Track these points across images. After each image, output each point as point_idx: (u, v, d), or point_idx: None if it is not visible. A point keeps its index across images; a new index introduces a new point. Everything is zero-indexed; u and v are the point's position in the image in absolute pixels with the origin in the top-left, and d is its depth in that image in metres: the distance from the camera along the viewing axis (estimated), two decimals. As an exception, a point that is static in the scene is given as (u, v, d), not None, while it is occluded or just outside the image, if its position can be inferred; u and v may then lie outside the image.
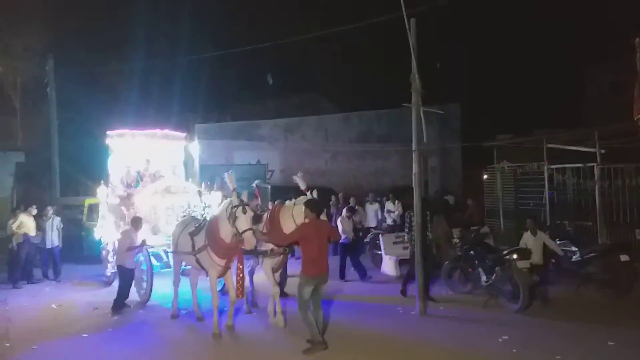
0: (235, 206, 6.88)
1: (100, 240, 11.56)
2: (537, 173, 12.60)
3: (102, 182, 11.41)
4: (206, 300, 8.30)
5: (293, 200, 7.67)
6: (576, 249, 9.43)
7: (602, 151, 11.28)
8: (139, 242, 8.97)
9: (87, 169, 18.40)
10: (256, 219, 7.49)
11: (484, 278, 8.72)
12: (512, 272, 8.21)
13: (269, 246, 7.61)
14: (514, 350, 6.41)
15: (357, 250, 11.34)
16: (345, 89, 25.98)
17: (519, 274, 8.10)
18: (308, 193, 7.50)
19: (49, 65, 17.78)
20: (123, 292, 8.91)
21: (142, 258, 9.38)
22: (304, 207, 6.77)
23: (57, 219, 12.08)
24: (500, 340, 6.78)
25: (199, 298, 8.38)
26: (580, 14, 18.93)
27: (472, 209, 14.47)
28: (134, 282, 9.20)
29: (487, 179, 15.04)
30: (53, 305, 9.54)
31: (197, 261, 7.55)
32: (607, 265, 8.86)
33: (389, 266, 11.46)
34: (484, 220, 13.83)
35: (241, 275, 7.23)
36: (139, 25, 23.05)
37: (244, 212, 6.81)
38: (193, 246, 7.57)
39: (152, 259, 9.60)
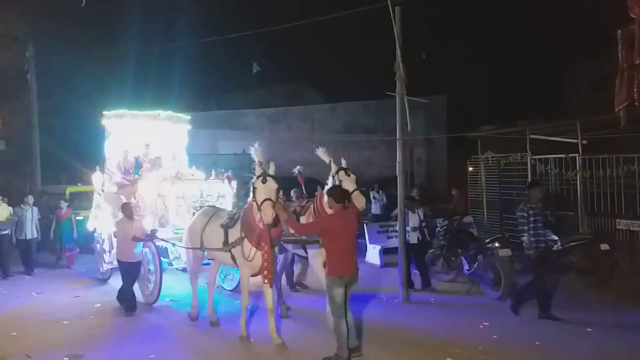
0: (257, 177, 6.06)
1: (90, 231, 10.70)
2: (521, 163, 12.71)
3: (97, 168, 10.39)
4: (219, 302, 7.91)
5: (326, 184, 6.89)
6: (557, 238, 9.56)
7: (584, 142, 11.42)
8: (135, 232, 7.91)
9: (77, 154, 18.09)
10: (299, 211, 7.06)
11: (466, 266, 8.80)
12: (494, 260, 8.30)
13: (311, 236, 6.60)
14: (495, 336, 6.49)
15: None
16: (331, 79, 25.92)
17: (501, 262, 8.20)
18: (333, 165, 6.81)
19: (29, 52, 17.42)
20: (126, 289, 7.98)
21: (148, 252, 8.39)
22: (326, 195, 6.05)
23: (35, 209, 11.42)
24: (481, 326, 6.88)
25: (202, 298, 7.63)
26: (566, 7, 19.06)
27: (456, 199, 14.62)
28: (138, 280, 8.34)
29: (472, 170, 15.16)
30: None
31: (233, 258, 6.58)
32: (588, 254, 9.00)
33: (372, 255, 11.52)
34: (468, 210, 13.95)
35: (266, 256, 6.10)
36: (123, 12, 22.71)
37: (264, 181, 5.95)
38: (226, 240, 6.60)
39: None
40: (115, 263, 8.55)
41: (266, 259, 6.11)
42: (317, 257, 6.87)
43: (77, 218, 13.40)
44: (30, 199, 11.46)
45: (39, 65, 17.57)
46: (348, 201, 5.80)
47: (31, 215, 11.23)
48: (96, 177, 10.32)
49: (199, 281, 7.80)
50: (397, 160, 8.64)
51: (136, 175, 9.88)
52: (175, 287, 9.20)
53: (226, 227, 6.70)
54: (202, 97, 26.82)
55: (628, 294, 8.27)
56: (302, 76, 26.38)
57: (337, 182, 6.52)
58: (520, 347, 6.14)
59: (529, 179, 12.33)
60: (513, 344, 6.25)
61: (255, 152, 6.40)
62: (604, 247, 8.81)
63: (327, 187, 6.68)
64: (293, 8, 22.78)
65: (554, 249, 9.50)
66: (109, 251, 9.59)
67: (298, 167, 8.37)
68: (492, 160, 13.92)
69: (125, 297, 8.01)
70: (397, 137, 8.61)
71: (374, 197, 14.51)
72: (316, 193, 8.31)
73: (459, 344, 6.19)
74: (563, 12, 19.20)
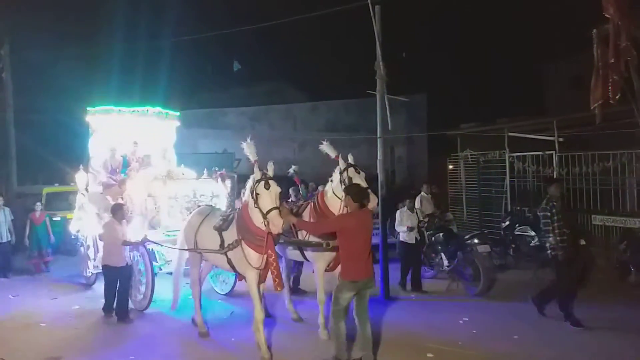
0: (257, 181, 5.60)
1: (76, 234, 10.15)
2: (499, 161, 12.90)
3: (80, 167, 9.88)
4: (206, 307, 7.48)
5: (330, 181, 6.50)
6: (535, 234, 9.74)
7: (561, 139, 11.63)
8: (125, 236, 7.53)
9: (57, 153, 17.74)
10: (299, 211, 6.61)
11: (446, 263, 8.90)
12: (473, 256, 8.41)
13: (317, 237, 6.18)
14: (474, 331, 6.59)
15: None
16: (313, 78, 25.91)
17: (480, 258, 8.32)
18: (340, 161, 6.35)
19: (4, 50, 17.07)
20: (108, 295, 7.53)
21: (137, 255, 7.96)
22: (344, 192, 5.70)
23: (7, 210, 10.91)
24: (461, 322, 6.97)
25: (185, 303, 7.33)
26: (544, 7, 19.35)
27: (436, 197, 14.75)
28: (131, 286, 7.88)
29: (452, 168, 15.33)
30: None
31: (229, 262, 6.14)
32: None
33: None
34: (448, 207, 14.09)
35: (275, 263, 5.76)
36: (101, 9, 22.40)
37: (267, 187, 5.51)
38: (222, 243, 6.15)
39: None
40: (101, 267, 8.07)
41: (274, 266, 5.76)
42: (319, 259, 6.47)
43: (55, 219, 13.21)
44: (0, 200, 10.89)
45: (16, 61, 17.21)
46: (367, 201, 5.46)
47: (3, 218, 10.73)
48: (80, 177, 9.83)
49: (183, 283, 7.54)
50: (378, 158, 8.70)
51: (123, 175, 9.47)
52: (166, 292, 8.38)
53: (220, 229, 6.27)
54: (182, 95, 26.57)
55: (604, 287, 8.45)
56: (284, 75, 26.32)
57: (345, 180, 6.12)
58: (499, 341, 6.24)
59: (507, 176, 12.53)
60: (492, 338, 6.36)
61: (248, 149, 5.91)
62: (581, 242, 9.00)
63: (330, 185, 6.44)
64: (274, 7, 22.72)
65: (531, 244, 9.71)
66: (94, 255, 9.13)
67: (293, 166, 8.08)
68: (471, 158, 14.10)
69: (119, 306, 7.49)
70: (378, 135, 8.66)
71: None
72: (315, 191, 8.01)
73: (439, 340, 6.27)
74: (541, 11, 19.50)
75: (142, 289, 7.85)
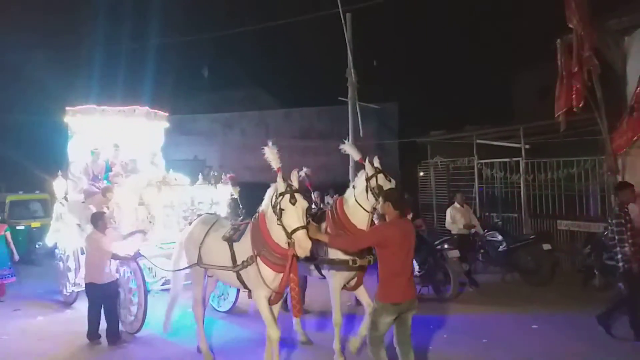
0: (281, 194, 4.84)
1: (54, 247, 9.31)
2: (468, 168, 13.12)
3: (59, 173, 9.07)
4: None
5: (352, 187, 5.77)
6: (503, 239, 9.92)
7: (527, 147, 11.90)
8: (110, 248, 6.82)
9: (27, 158, 17.12)
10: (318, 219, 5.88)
11: (417, 268, 8.96)
12: (444, 261, 8.51)
13: (336, 253, 5.57)
14: (445, 336, 6.65)
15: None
16: (286, 85, 25.93)
17: (450, 263, 8.43)
18: (367, 165, 5.58)
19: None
20: (93, 317, 6.76)
21: (127, 271, 7.14)
22: (382, 198, 4.97)
23: None
24: (431, 326, 7.01)
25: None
26: (511, 18, 19.87)
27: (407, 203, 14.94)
28: (119, 304, 7.14)
29: (422, 175, 15.52)
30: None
31: (239, 278, 5.42)
32: (531, 254, 9.39)
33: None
34: (419, 214, 14.24)
35: (296, 288, 5.10)
36: (68, 14, 21.93)
37: (293, 201, 4.75)
38: (233, 256, 5.40)
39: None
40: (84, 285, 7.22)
41: (296, 291, 5.09)
42: (336, 276, 5.78)
43: (18, 227, 12.84)
44: None
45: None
46: (408, 209, 4.97)
47: None
48: (58, 184, 9.03)
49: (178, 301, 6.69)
50: (350, 165, 8.77)
51: (104, 181, 8.77)
52: (160, 312, 7.38)
53: (230, 240, 5.50)
54: (151, 100, 26.16)
55: (569, 291, 8.65)
56: (256, 81, 26.25)
57: (374, 188, 5.40)
58: (469, 345, 6.30)
59: (476, 182, 12.75)
60: (462, 342, 6.41)
61: (270, 154, 5.07)
62: (546, 247, 9.24)
63: (351, 191, 5.71)
64: (246, 13, 22.71)
65: (499, 249, 9.89)
66: (75, 271, 8.35)
67: (305, 169, 6.83)
68: (441, 164, 14.30)
69: (109, 328, 6.75)
70: (350, 142, 8.70)
71: (328, 203, 14.55)
72: (332, 198, 7.19)
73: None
74: (508, 22, 19.99)
75: (134, 309, 7.01)
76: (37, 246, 13.65)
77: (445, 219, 10.14)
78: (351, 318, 7.10)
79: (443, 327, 6.97)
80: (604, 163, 9.61)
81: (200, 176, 8.48)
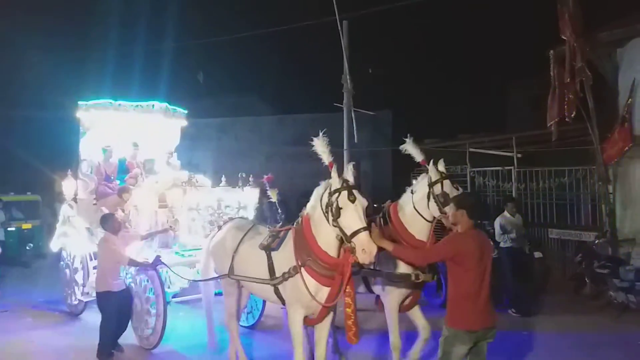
0: (336, 191, 4.16)
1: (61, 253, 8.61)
2: (461, 175, 13.20)
3: (69, 172, 8.49)
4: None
5: (411, 192, 5.11)
6: (494, 246, 9.97)
7: (519, 155, 12.01)
8: (125, 252, 6.25)
9: (21, 157, 16.81)
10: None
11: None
12: (437, 269, 8.52)
13: (397, 266, 4.89)
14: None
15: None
16: (280, 92, 26.04)
17: (443, 270, 8.44)
18: (431, 169, 5.01)
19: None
20: (106, 331, 6.11)
21: (144, 279, 6.50)
22: (452, 205, 4.24)
23: None
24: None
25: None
26: (505, 28, 20.13)
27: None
28: (133, 317, 6.53)
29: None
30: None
31: (277, 292, 4.76)
32: (522, 262, 9.45)
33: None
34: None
35: (352, 305, 4.41)
36: (64, 17, 21.88)
37: (352, 199, 4.07)
38: (271, 269, 4.71)
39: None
40: (94, 294, 6.75)
41: (351, 308, 4.39)
42: (393, 293, 5.11)
43: (9, 229, 12.76)
44: None
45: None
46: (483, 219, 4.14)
47: None
48: (68, 184, 8.42)
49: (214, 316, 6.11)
50: (344, 171, 8.79)
51: (117, 182, 8.31)
52: (181, 324, 7.22)
53: (268, 249, 4.83)
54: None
55: (560, 299, 8.72)
56: (251, 88, 26.34)
57: (439, 196, 4.81)
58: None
59: (468, 190, 12.82)
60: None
61: (320, 147, 4.46)
62: (537, 255, 9.30)
63: (409, 197, 5.13)
64: (242, 19, 22.81)
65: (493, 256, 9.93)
66: (84, 279, 7.74)
67: (352, 162, 5.79)
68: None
69: (106, 341, 6.12)
70: (345, 148, 8.78)
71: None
72: (384, 204, 5.92)
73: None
74: (503, 33, 20.25)
75: (152, 321, 6.35)
76: (27, 248, 13.62)
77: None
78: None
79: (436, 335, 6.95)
80: (595, 173, 9.74)
81: (223, 178, 7.79)
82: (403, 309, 5.24)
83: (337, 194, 4.13)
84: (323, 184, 4.44)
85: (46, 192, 14.96)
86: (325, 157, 4.39)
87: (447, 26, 23.08)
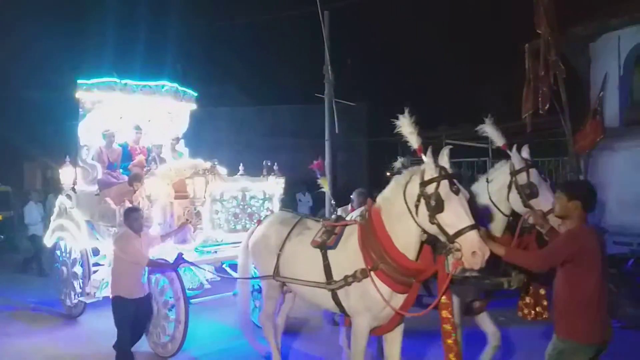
0: (433, 180, 3.48)
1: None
2: (437, 167, 13.46)
3: (67, 159, 7.61)
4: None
5: (486, 181, 4.38)
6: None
7: (494, 147, 12.29)
8: (147, 252, 5.54)
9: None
10: None
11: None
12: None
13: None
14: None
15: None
16: (258, 82, 25.94)
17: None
18: (515, 156, 4.39)
19: None
20: (124, 340, 5.34)
21: (162, 280, 5.87)
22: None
23: None
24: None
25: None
26: (482, 22, 20.45)
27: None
28: (150, 323, 5.90)
29: (390, 175, 15.79)
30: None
31: (335, 298, 4.05)
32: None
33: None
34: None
35: (452, 319, 3.67)
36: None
37: (455, 189, 3.43)
38: (328, 270, 4.04)
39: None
40: (96, 294, 6.39)
41: (451, 324, 3.65)
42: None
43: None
44: None
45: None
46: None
47: None
48: (66, 172, 7.57)
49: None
50: (326, 161, 8.91)
51: (120, 171, 7.65)
52: (201, 328, 6.47)
53: (323, 247, 4.12)
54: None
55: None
56: (229, 78, 26.16)
57: (523, 188, 4.15)
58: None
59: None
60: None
61: (405, 126, 3.87)
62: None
63: (484, 186, 4.41)
64: (222, 9, 22.61)
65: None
66: (83, 277, 7.07)
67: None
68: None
69: (124, 351, 5.38)
70: (326, 139, 8.88)
71: (300, 200, 14.70)
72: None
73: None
74: (479, 26, 20.57)
75: (170, 327, 5.75)
76: (0, 238, 13.49)
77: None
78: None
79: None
80: (567, 164, 10.03)
81: (241, 166, 7.03)
82: (471, 314, 4.67)
83: (435, 184, 3.44)
84: (406, 172, 3.81)
85: (15, 182, 14.71)
86: (413, 140, 3.78)
87: (422, 18, 23.31)
